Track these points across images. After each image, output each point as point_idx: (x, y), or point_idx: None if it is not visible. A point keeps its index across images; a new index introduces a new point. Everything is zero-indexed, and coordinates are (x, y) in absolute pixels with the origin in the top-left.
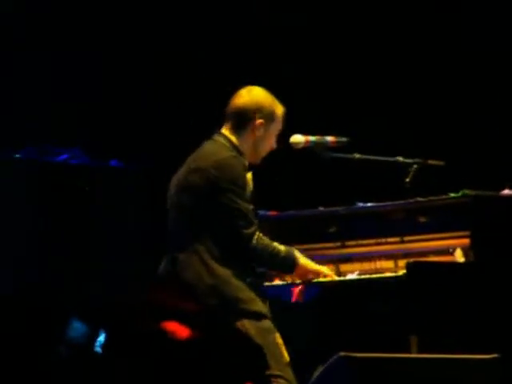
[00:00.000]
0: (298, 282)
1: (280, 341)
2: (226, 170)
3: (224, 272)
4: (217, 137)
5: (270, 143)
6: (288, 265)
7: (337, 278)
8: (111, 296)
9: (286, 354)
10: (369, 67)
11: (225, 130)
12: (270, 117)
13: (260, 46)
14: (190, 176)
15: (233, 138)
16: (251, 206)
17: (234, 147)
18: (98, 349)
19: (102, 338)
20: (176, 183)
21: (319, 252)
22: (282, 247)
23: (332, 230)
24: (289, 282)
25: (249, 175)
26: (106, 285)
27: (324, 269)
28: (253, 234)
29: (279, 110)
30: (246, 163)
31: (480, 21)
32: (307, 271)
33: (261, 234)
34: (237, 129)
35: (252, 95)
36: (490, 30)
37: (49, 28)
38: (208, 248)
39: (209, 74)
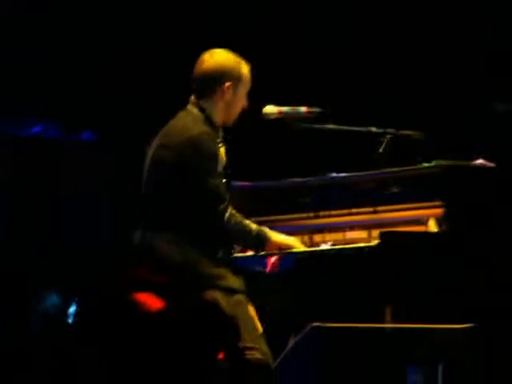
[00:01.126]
0: (271, 252)
1: (253, 313)
2: (197, 148)
3: (196, 249)
4: (190, 107)
5: (241, 103)
6: (259, 242)
7: (310, 249)
8: (83, 268)
9: (258, 326)
10: (344, 37)
11: (195, 99)
12: (237, 78)
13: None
14: (161, 151)
15: (204, 106)
16: (223, 181)
17: (207, 117)
18: (69, 320)
19: (73, 308)
20: (149, 156)
21: (292, 223)
22: (253, 225)
23: (305, 200)
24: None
25: (222, 149)
26: (79, 257)
27: (295, 243)
28: (224, 210)
29: (245, 69)
30: (219, 136)
31: None
32: (279, 247)
33: (233, 211)
34: (206, 95)
35: (215, 59)
36: None
37: None
38: (180, 225)
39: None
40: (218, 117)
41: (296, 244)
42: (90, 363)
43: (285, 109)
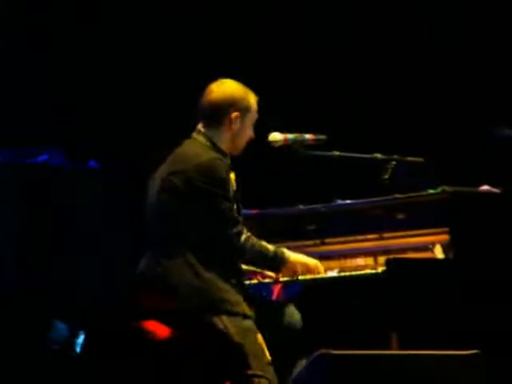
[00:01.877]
0: (277, 280)
1: (261, 340)
2: (208, 173)
3: (210, 275)
4: (196, 135)
5: (248, 134)
6: (277, 263)
7: (317, 276)
8: (93, 298)
9: (267, 354)
10: (347, 63)
11: (202, 128)
12: (244, 108)
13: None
14: (171, 178)
15: (211, 135)
16: (234, 206)
17: (214, 145)
18: (77, 349)
19: (81, 338)
20: (157, 183)
21: (299, 250)
22: (270, 246)
23: (311, 227)
24: (268, 280)
25: (232, 175)
26: (88, 287)
27: (312, 262)
28: (239, 232)
29: (253, 99)
30: (229, 163)
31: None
32: (296, 266)
33: (249, 233)
34: (213, 125)
35: (224, 89)
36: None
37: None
38: (193, 250)
39: (183, 77)
40: (225, 146)
41: (313, 264)
42: None
43: (290, 136)
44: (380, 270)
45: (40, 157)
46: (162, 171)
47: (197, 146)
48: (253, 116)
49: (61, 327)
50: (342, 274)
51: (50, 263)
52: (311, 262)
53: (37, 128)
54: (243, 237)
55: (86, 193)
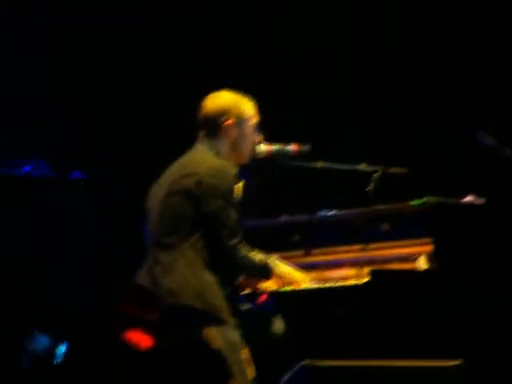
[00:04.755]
0: (260, 291)
1: (247, 355)
2: (220, 178)
3: (210, 278)
4: (199, 145)
5: (251, 139)
6: (264, 273)
7: (301, 287)
8: (73, 308)
9: (252, 370)
10: (329, 73)
11: (202, 140)
12: (238, 115)
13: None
14: (182, 180)
15: (213, 145)
16: (239, 216)
17: (219, 154)
18: (58, 360)
19: (62, 349)
20: (164, 188)
21: (282, 261)
22: (260, 256)
23: (295, 238)
24: (252, 291)
25: (240, 184)
26: (68, 297)
27: (297, 275)
28: (236, 245)
29: (247, 105)
30: (236, 172)
31: None
32: (282, 278)
33: (246, 245)
34: (211, 137)
35: (215, 101)
36: None
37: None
38: (194, 251)
39: (173, 86)
40: (227, 155)
41: (299, 277)
42: None
43: (274, 147)
44: (363, 280)
45: (24, 167)
46: (169, 176)
47: (204, 153)
48: (251, 121)
49: (42, 338)
50: (326, 284)
51: (35, 273)
52: (297, 273)
53: (21, 138)
54: (241, 250)
55: (71, 203)
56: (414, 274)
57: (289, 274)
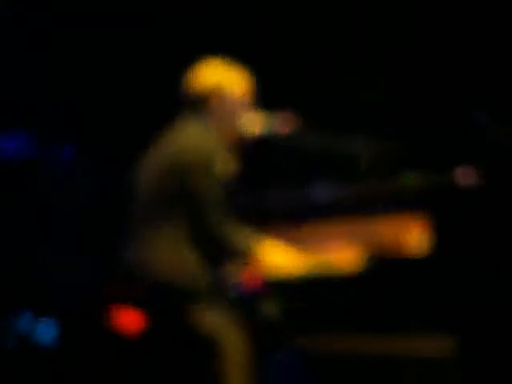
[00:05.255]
0: (254, 278)
1: (238, 334)
2: (204, 154)
3: (192, 256)
4: (187, 118)
5: (238, 115)
6: (251, 254)
7: (292, 275)
8: (64, 289)
9: (246, 349)
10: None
11: (188, 116)
12: (223, 92)
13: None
14: (166, 158)
15: (199, 122)
16: (224, 193)
17: (206, 130)
18: (47, 341)
19: (52, 330)
20: (149, 167)
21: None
22: (245, 241)
23: (286, 213)
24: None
25: (230, 156)
26: (59, 278)
27: (288, 267)
28: (220, 221)
29: (233, 80)
30: (222, 146)
31: None
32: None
33: (230, 222)
34: (198, 113)
35: (199, 78)
36: None
37: None
38: (178, 230)
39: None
40: (219, 132)
41: (290, 267)
42: None
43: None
44: (360, 267)
45: (7, 142)
46: (156, 152)
47: (192, 128)
48: (238, 94)
49: (27, 318)
50: (321, 273)
51: (26, 254)
52: (288, 266)
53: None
54: (225, 227)
55: (60, 181)
56: (411, 260)
57: (277, 266)
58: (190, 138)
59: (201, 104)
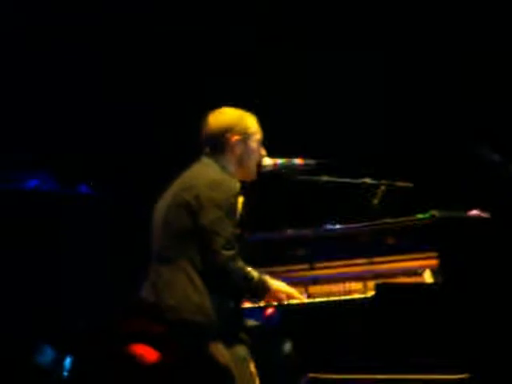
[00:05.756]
0: (268, 304)
1: (253, 369)
2: (219, 190)
3: (210, 292)
4: (205, 159)
5: (256, 155)
6: (260, 290)
7: (306, 300)
8: (81, 322)
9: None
10: (339, 89)
11: (207, 156)
12: (243, 131)
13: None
14: (182, 193)
15: (218, 161)
16: (237, 230)
17: (224, 168)
18: (64, 373)
19: (68, 362)
20: (167, 200)
21: (288, 274)
22: (254, 273)
23: (301, 252)
24: (260, 305)
25: (240, 199)
26: (77, 311)
27: (295, 292)
28: (232, 256)
29: (250, 121)
30: (239, 186)
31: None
32: (278, 295)
33: (240, 258)
34: (216, 153)
35: (218, 118)
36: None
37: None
38: (194, 265)
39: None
40: (233, 171)
41: (296, 294)
42: None
43: (280, 161)
44: (369, 294)
45: (30, 182)
46: (172, 189)
47: (208, 167)
48: (255, 136)
49: (48, 351)
50: (331, 298)
51: (42, 288)
52: (292, 290)
53: (27, 152)
54: (238, 262)
55: (78, 218)
56: (419, 287)
57: (285, 290)
58: (210, 176)
59: (222, 144)
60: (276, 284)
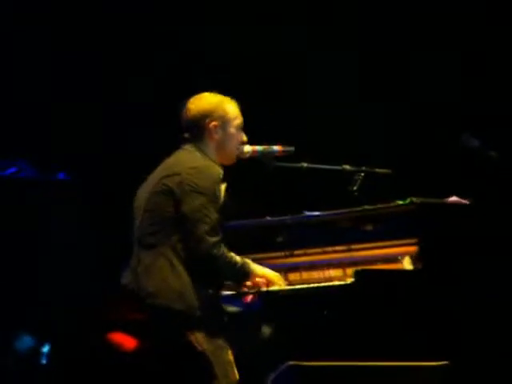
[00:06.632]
0: (248, 291)
1: (231, 358)
2: (202, 177)
3: (190, 279)
4: (187, 146)
5: (236, 139)
6: (243, 275)
7: (285, 287)
8: (58, 309)
9: (235, 372)
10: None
11: (187, 142)
12: (221, 117)
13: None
14: (164, 180)
15: (199, 146)
16: (219, 217)
17: (205, 154)
18: (43, 360)
19: (46, 349)
20: (149, 188)
21: (267, 261)
22: (237, 257)
23: (280, 239)
24: (240, 291)
25: (223, 186)
26: (55, 298)
27: (276, 277)
28: (217, 243)
29: (229, 106)
30: (222, 172)
31: None
32: (261, 280)
33: (223, 245)
34: (196, 139)
35: (197, 104)
36: None
37: None
38: (175, 251)
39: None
40: (214, 156)
41: (278, 279)
42: None
43: (258, 148)
44: (348, 281)
45: (8, 169)
46: (155, 176)
47: (190, 154)
48: (234, 121)
49: (26, 338)
50: (311, 285)
51: (20, 275)
52: (273, 274)
53: (5, 140)
54: (220, 248)
55: (57, 205)
56: (399, 274)
57: (268, 275)
58: (192, 162)
59: (202, 129)
60: (259, 268)
